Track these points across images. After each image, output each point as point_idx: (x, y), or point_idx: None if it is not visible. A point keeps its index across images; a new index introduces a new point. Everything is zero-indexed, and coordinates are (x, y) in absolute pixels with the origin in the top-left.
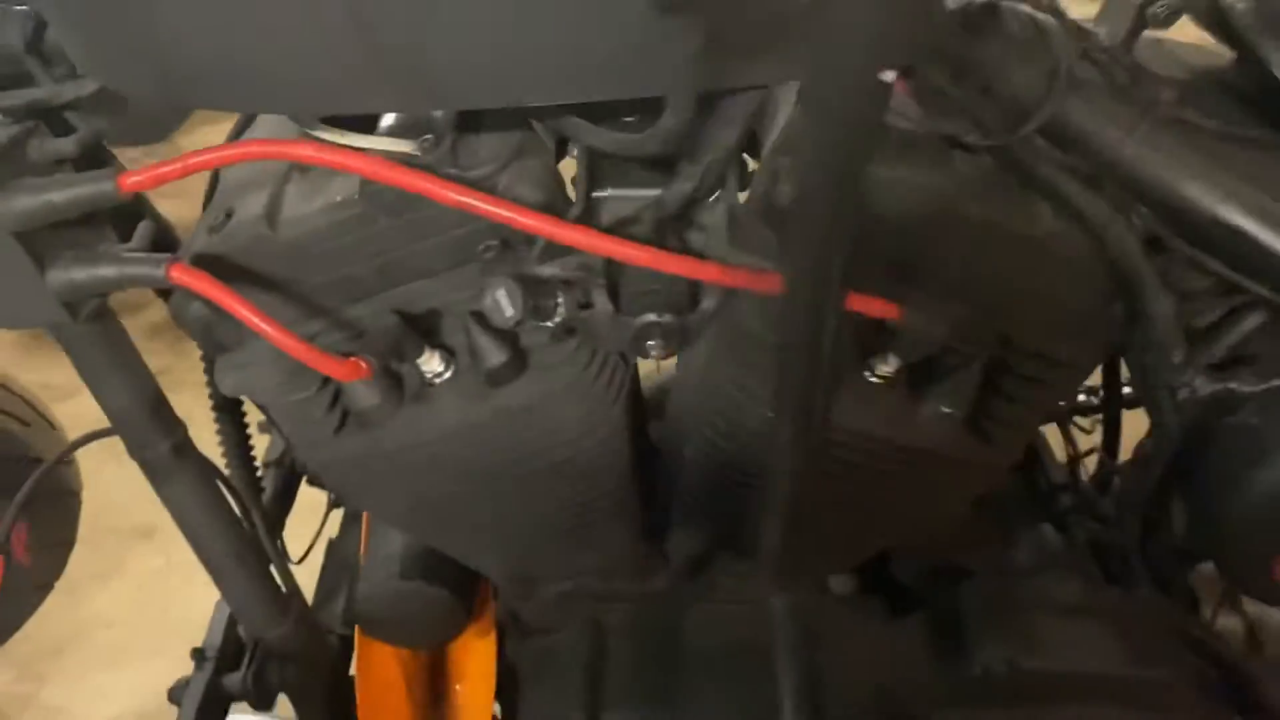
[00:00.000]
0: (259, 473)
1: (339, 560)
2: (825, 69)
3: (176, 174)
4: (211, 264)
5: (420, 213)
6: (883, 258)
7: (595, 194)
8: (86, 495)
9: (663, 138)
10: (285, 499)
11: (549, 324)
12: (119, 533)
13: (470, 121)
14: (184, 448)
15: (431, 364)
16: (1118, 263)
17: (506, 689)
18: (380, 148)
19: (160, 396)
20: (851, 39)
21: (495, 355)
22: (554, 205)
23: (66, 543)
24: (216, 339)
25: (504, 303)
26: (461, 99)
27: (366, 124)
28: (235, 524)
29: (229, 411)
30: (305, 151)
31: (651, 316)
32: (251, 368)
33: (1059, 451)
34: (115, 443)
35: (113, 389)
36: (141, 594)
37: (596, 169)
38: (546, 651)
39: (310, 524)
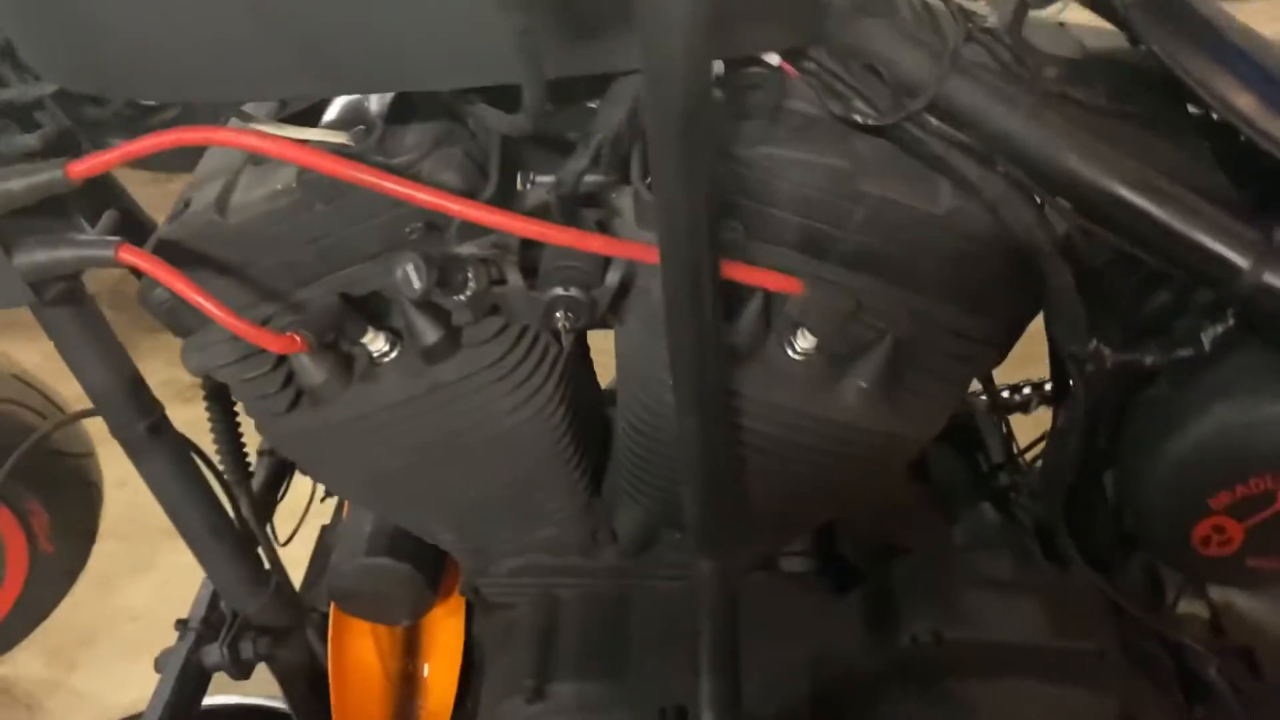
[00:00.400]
0: (251, 461)
1: (327, 545)
2: (653, 54)
3: (116, 159)
4: (169, 250)
5: (352, 198)
6: (789, 236)
7: (537, 181)
8: (123, 495)
9: (529, 118)
10: (276, 486)
11: (460, 298)
12: (151, 530)
13: (400, 113)
14: (160, 427)
15: (376, 344)
16: (1017, 236)
17: (472, 664)
18: (315, 138)
19: (137, 379)
20: (674, 25)
21: (429, 333)
22: (473, 189)
23: (88, 533)
24: (180, 322)
25: (411, 276)
26: (352, 85)
27: (313, 118)
28: (212, 501)
29: (218, 399)
30: (224, 136)
31: (559, 290)
32: (211, 348)
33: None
34: None
35: (90, 370)
36: (168, 588)
37: (523, 155)
38: (507, 626)
39: (315, 514)
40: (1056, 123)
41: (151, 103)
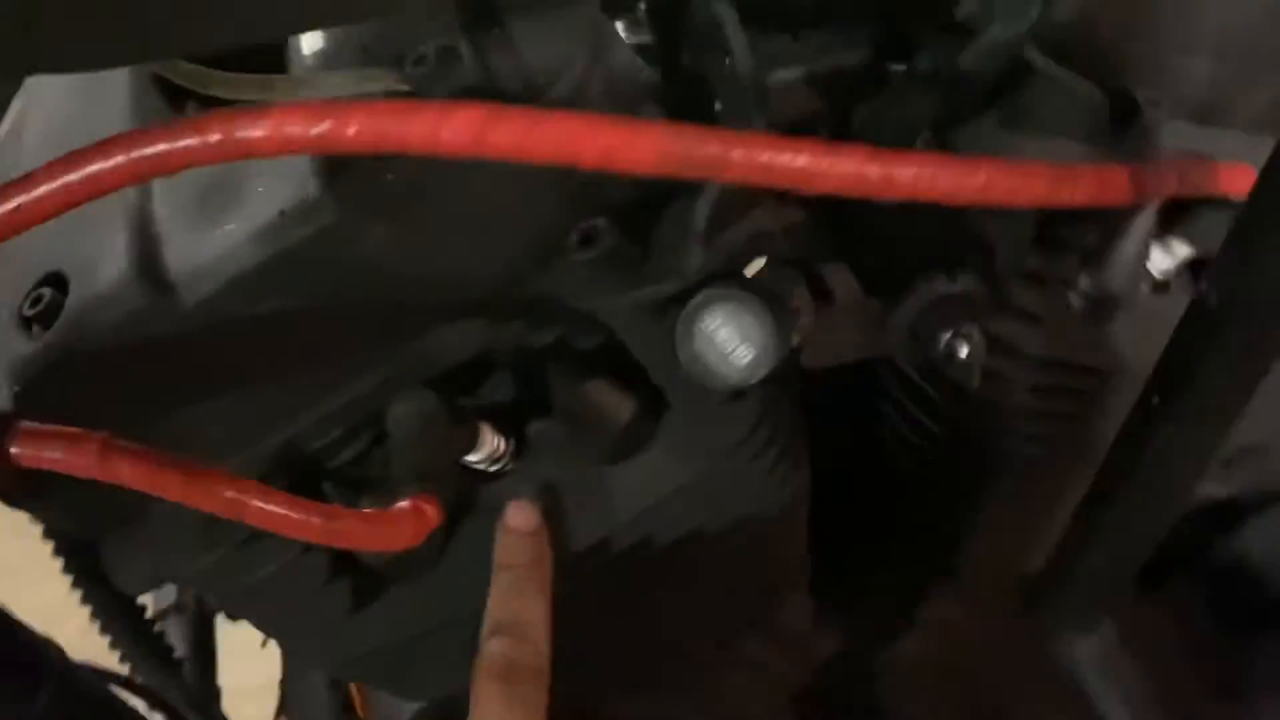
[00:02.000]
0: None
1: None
2: None
3: None
4: (59, 384)
5: (445, 195)
6: None
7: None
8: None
9: None
10: (206, 646)
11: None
12: None
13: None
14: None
15: (488, 445)
16: None
17: None
18: (336, 92)
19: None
20: None
21: (619, 410)
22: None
23: None
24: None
25: (740, 352)
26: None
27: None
28: None
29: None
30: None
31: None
32: (171, 542)
33: None
34: None
35: None
36: None
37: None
38: None
39: None
40: None
41: None
